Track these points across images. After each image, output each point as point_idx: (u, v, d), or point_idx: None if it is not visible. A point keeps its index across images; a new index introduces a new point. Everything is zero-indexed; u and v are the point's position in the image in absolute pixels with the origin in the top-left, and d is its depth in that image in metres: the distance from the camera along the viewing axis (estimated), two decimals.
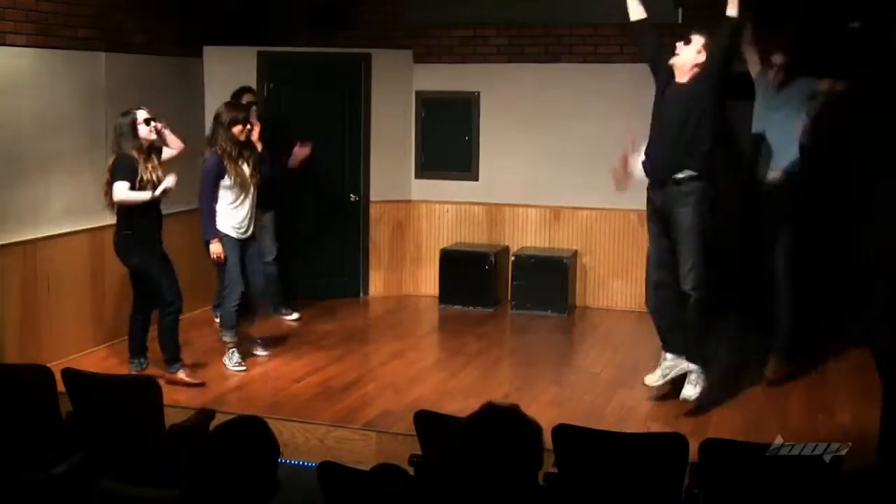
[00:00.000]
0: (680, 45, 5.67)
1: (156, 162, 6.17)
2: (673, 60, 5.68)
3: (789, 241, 6.41)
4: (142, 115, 6.13)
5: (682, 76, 5.69)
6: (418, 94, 8.91)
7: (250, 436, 2.72)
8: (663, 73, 5.77)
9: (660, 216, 5.78)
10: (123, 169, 6.03)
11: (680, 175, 5.62)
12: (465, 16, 8.63)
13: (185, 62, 7.98)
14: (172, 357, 6.33)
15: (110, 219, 7.13)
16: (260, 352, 7.00)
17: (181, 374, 6.30)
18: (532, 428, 2.68)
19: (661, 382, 5.90)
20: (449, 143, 8.90)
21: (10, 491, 3.68)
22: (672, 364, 5.85)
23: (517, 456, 2.63)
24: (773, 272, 6.41)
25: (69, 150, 6.80)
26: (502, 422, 2.67)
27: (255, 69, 8.30)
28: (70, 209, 6.78)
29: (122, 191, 6.02)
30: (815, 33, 7.53)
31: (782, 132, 6.34)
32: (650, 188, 5.83)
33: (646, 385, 5.96)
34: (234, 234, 6.61)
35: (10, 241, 6.33)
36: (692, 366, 5.77)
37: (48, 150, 6.60)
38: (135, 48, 7.37)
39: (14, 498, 3.67)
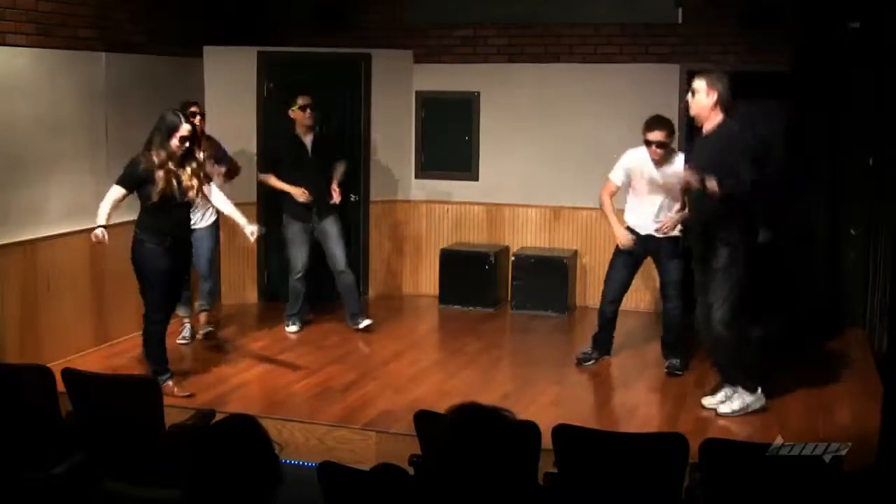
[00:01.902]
0: (689, 97, 5.67)
1: (190, 170, 5.86)
2: (692, 112, 5.67)
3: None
4: (185, 129, 5.80)
5: (704, 125, 5.66)
6: (418, 94, 8.90)
7: (241, 434, 2.73)
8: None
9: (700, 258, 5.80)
10: (128, 172, 5.84)
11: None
12: (465, 16, 8.63)
13: (185, 62, 7.97)
14: (156, 369, 6.05)
15: (110, 219, 7.16)
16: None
17: (170, 385, 5.98)
18: (501, 417, 2.66)
19: (714, 405, 5.89)
20: (449, 143, 8.89)
21: (10, 491, 3.69)
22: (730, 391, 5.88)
23: (496, 447, 2.62)
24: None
25: (69, 151, 6.80)
26: (469, 419, 2.66)
27: (255, 69, 8.30)
28: (70, 209, 6.78)
29: (108, 195, 5.82)
30: (814, 34, 7.55)
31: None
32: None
33: (703, 405, 5.94)
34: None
35: (10, 241, 6.33)
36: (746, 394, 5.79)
37: (48, 150, 6.60)
38: (135, 48, 7.37)
39: (14, 498, 3.68)
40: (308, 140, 7.40)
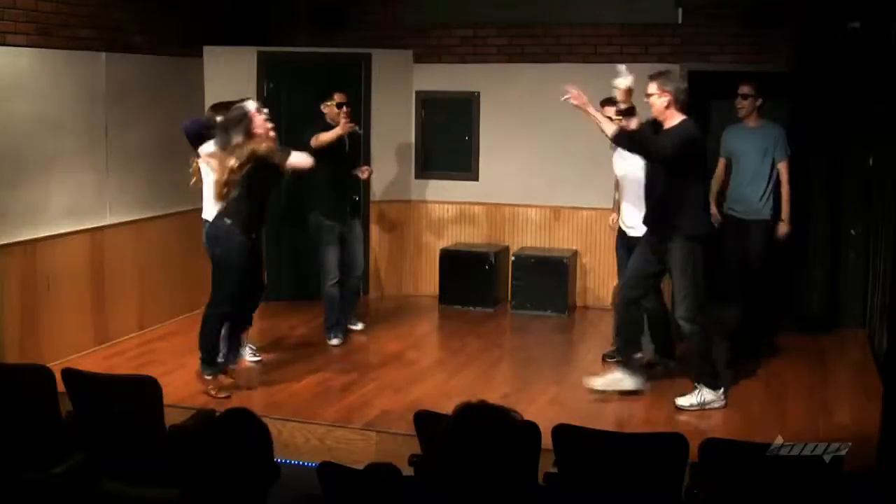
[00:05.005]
0: (646, 101, 5.82)
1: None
2: (653, 115, 5.84)
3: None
4: (252, 105, 5.82)
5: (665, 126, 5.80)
6: (418, 94, 8.90)
7: (240, 426, 2.73)
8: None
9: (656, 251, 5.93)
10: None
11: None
12: (465, 16, 8.64)
13: (185, 62, 7.97)
14: (205, 358, 6.07)
15: (110, 219, 7.17)
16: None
17: (209, 380, 6.03)
18: (508, 418, 2.66)
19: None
20: (449, 143, 8.89)
21: (10, 491, 3.69)
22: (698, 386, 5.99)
23: (497, 447, 2.62)
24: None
25: (69, 150, 6.80)
26: (472, 418, 2.65)
27: (255, 69, 8.29)
28: (70, 209, 6.78)
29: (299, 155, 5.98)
30: (814, 34, 7.54)
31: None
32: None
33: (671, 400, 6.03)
34: None
35: (10, 241, 6.33)
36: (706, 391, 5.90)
37: (48, 150, 6.60)
38: (135, 48, 7.37)
39: (14, 498, 3.68)
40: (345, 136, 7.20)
